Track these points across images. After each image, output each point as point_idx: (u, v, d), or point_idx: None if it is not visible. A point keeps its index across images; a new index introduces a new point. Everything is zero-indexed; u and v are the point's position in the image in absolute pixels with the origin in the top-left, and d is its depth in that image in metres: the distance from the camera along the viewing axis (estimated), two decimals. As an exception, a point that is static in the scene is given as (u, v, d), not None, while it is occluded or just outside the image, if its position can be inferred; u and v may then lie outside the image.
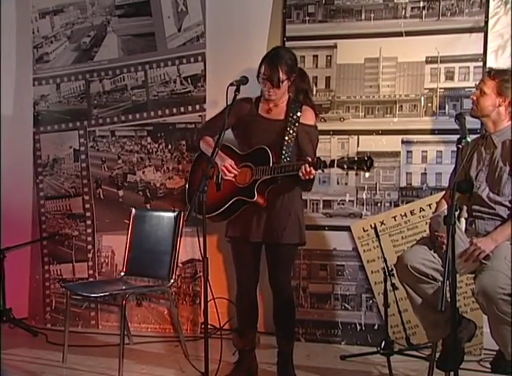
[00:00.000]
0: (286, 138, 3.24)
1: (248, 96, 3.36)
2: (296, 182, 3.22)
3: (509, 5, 3.82)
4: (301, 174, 3.05)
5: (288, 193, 3.28)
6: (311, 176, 3.06)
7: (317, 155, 3.24)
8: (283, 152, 3.22)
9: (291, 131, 3.26)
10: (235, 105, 3.36)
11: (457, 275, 2.65)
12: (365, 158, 2.99)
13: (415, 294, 3.06)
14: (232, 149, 3.36)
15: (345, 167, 3.01)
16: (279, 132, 3.27)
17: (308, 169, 3.03)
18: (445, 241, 2.62)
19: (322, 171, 3.09)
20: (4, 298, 4.32)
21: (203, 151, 3.43)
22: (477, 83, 3.19)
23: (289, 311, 3.40)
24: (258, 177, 3.19)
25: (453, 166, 2.93)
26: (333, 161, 3.04)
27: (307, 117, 3.32)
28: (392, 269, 3.34)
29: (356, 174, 3.06)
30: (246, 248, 3.34)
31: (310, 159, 3.08)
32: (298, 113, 3.29)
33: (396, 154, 3.96)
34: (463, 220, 3.16)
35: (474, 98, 3.13)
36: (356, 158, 3.01)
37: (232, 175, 3.24)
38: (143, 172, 4.41)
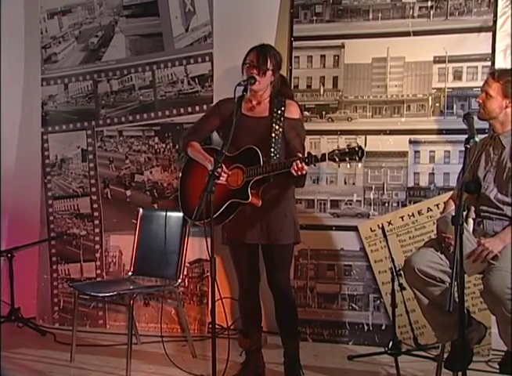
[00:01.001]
0: (273, 134, 3.22)
1: (230, 97, 3.26)
2: (289, 179, 3.21)
3: (517, 5, 3.80)
4: (293, 171, 3.03)
5: (282, 193, 3.27)
6: (304, 172, 3.04)
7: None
8: (272, 149, 3.20)
9: (277, 127, 3.23)
10: (217, 107, 3.37)
11: (465, 275, 2.64)
12: (356, 149, 2.94)
13: (423, 296, 3.04)
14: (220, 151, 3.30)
15: (337, 159, 2.97)
16: (265, 130, 3.25)
17: (299, 165, 3.01)
18: (453, 242, 2.61)
19: (314, 165, 3.07)
20: (13, 297, 4.35)
21: (193, 157, 3.39)
22: (482, 85, 3.17)
23: (291, 311, 3.40)
24: (250, 177, 3.16)
25: (461, 166, 2.92)
26: (324, 155, 3.01)
27: (291, 111, 3.30)
28: (400, 269, 3.34)
29: (349, 166, 3.02)
30: (243, 250, 3.34)
31: (300, 155, 3.06)
32: (282, 108, 3.27)
33: (404, 154, 3.95)
34: (470, 220, 3.14)
35: (481, 101, 3.11)
36: (347, 149, 2.96)
37: (225, 178, 3.20)
38: (151, 172, 4.42)
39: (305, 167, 3.02)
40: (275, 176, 3.15)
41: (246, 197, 3.17)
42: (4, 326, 4.28)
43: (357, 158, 2.94)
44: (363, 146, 2.95)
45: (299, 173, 3.03)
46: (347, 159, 2.96)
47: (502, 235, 2.97)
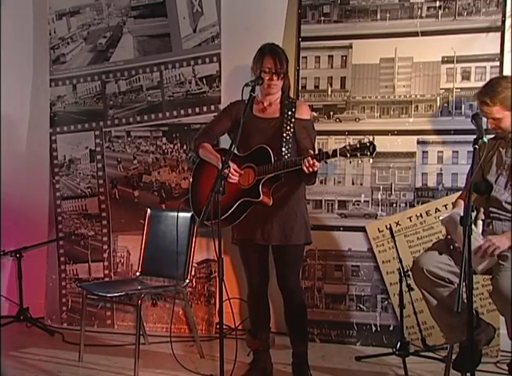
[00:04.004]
0: (285, 134, 3.23)
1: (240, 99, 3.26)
2: (300, 179, 3.22)
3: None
4: (304, 167, 3.03)
5: (293, 193, 3.27)
6: (315, 168, 3.05)
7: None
8: (283, 148, 3.21)
9: (288, 128, 3.24)
10: (229, 109, 3.38)
11: (473, 276, 2.63)
12: (368, 144, 2.94)
13: (431, 297, 3.04)
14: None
15: (348, 155, 2.97)
16: (276, 130, 3.26)
17: (311, 162, 3.02)
18: (461, 245, 2.60)
19: (326, 162, 3.07)
20: (21, 297, 4.36)
21: (204, 158, 3.40)
22: (483, 114, 3.07)
23: (300, 312, 3.39)
24: (262, 176, 3.17)
25: (469, 166, 2.91)
26: (335, 151, 3.01)
27: (302, 111, 3.31)
28: (408, 270, 3.33)
29: (361, 160, 3.01)
30: (254, 250, 3.34)
31: (312, 152, 3.06)
32: (293, 109, 3.28)
33: (412, 155, 3.95)
34: (480, 222, 3.11)
35: (493, 125, 3.08)
36: (358, 145, 2.96)
37: (236, 177, 3.21)
38: (158, 173, 4.42)
39: (316, 163, 3.03)
40: (287, 176, 3.16)
41: (257, 196, 3.17)
42: (13, 326, 4.31)
43: (368, 153, 2.94)
44: (374, 142, 2.94)
45: (310, 170, 3.03)
46: (358, 154, 2.96)
47: (510, 233, 2.96)
